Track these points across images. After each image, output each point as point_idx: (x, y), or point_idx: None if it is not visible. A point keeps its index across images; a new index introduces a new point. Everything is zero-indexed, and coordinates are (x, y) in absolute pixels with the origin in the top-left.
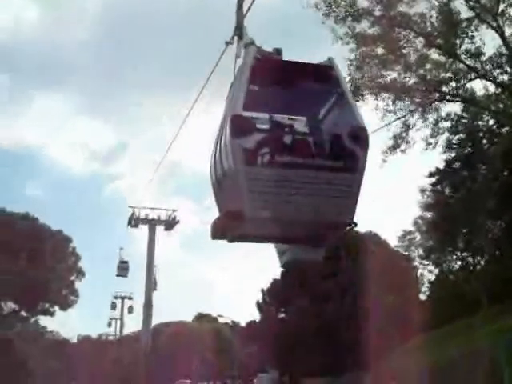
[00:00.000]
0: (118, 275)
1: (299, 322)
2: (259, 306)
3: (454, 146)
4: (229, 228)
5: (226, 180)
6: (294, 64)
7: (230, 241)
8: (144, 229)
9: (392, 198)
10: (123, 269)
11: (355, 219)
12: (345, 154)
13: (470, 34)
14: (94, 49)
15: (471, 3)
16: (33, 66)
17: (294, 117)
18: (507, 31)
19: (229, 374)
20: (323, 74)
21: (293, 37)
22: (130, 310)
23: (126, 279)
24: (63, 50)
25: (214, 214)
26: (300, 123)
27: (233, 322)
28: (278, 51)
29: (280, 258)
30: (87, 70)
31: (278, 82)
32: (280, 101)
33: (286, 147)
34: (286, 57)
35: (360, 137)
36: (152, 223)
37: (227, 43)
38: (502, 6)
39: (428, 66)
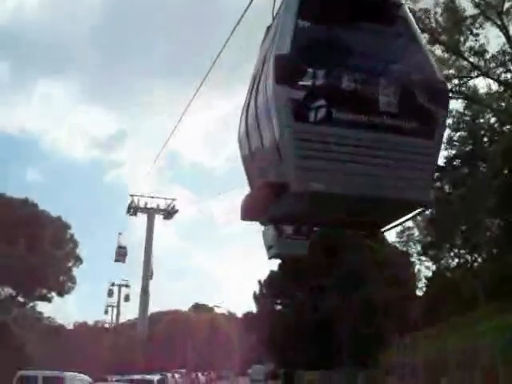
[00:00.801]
0: (116, 260)
1: (295, 314)
2: (256, 297)
3: (455, 143)
4: (266, 205)
5: (265, 145)
6: None
7: (264, 223)
8: (143, 217)
9: None
10: (121, 254)
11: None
12: (420, 114)
13: (475, 31)
14: (96, 36)
15: (476, 0)
16: (34, 53)
17: (354, 63)
18: None
19: (224, 364)
20: (388, 11)
21: None
22: (127, 298)
23: (123, 268)
24: (65, 37)
25: (212, 204)
26: (363, 72)
27: (229, 312)
28: None
29: (268, 251)
30: (89, 58)
31: (334, 19)
32: (337, 43)
33: (346, 101)
34: None
35: (439, 92)
36: (151, 212)
37: None
38: (507, 5)
39: None
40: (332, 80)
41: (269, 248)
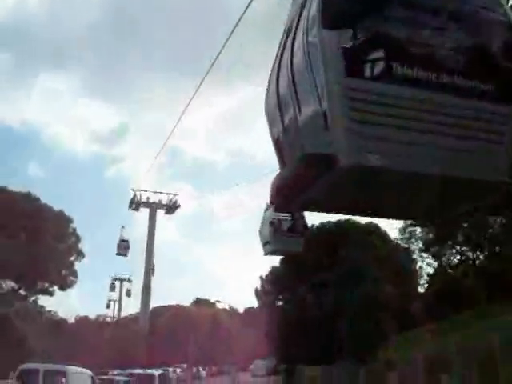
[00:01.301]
0: (117, 254)
1: (297, 309)
2: (257, 293)
3: None
4: (304, 186)
5: (304, 111)
6: None
7: (297, 208)
8: (145, 212)
9: None
10: (123, 247)
11: None
12: (497, 74)
13: None
14: (100, 30)
15: None
16: (36, 47)
17: (419, 7)
18: None
19: (226, 359)
20: None
21: None
22: (128, 293)
23: (125, 263)
24: (67, 31)
25: (215, 199)
26: (430, 17)
27: (231, 307)
28: None
29: (263, 247)
30: (93, 52)
31: None
32: None
33: (410, 53)
34: None
35: None
36: (153, 206)
37: None
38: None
39: None
40: (392, 26)
41: (265, 245)
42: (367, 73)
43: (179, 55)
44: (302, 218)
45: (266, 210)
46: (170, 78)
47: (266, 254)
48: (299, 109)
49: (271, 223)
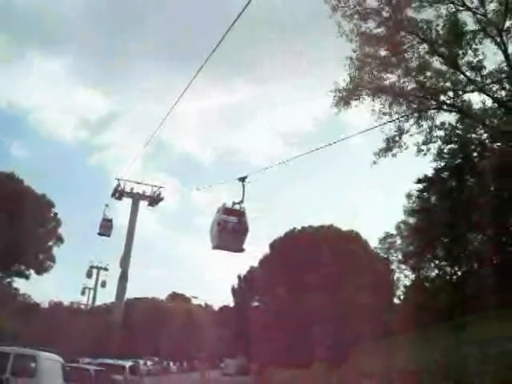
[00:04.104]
0: (99, 234)
1: (273, 311)
2: (234, 291)
3: (445, 156)
4: None
5: None
6: None
7: None
8: (126, 203)
9: (380, 200)
10: (106, 227)
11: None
12: None
13: (474, 46)
14: (96, 17)
15: (478, 16)
16: (31, 29)
17: None
18: (510, 48)
19: (197, 355)
20: None
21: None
22: (103, 284)
23: (102, 252)
24: (62, 15)
25: (197, 194)
26: None
27: (206, 304)
28: None
29: (211, 242)
30: (87, 38)
31: None
32: None
33: None
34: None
35: None
36: (136, 197)
37: None
38: (508, 23)
39: (428, 73)
40: None
41: (212, 240)
42: None
43: (176, 47)
44: (245, 221)
45: (217, 212)
46: (165, 69)
47: (213, 249)
48: None
49: (218, 223)
